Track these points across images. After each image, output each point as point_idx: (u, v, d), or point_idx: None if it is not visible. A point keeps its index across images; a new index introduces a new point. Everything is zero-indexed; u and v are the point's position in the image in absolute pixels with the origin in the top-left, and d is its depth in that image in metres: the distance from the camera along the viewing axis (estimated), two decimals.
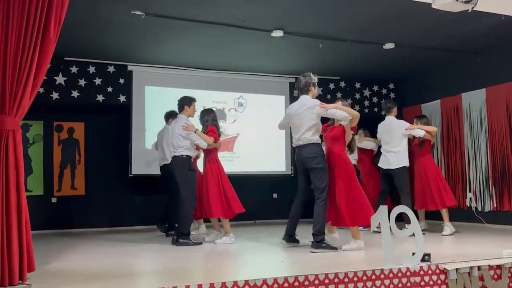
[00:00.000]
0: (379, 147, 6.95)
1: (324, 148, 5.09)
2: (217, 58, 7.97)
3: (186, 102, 5.86)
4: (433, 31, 6.67)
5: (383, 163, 6.58)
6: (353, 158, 7.04)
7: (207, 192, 5.80)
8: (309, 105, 4.92)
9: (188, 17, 5.99)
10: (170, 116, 6.89)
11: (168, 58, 7.93)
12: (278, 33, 6.62)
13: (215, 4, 5.61)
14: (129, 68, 8.13)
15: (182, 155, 5.66)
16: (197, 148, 5.98)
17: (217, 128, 6.02)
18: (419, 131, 6.44)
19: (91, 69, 7.88)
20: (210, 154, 5.97)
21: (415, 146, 6.72)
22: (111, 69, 8.02)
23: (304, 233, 5.32)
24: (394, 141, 6.42)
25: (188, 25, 6.20)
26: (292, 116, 5.03)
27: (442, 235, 6.23)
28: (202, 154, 6.27)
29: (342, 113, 4.88)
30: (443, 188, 6.47)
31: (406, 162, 6.40)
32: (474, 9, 4.54)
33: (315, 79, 5.10)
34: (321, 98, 9.20)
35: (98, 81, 7.90)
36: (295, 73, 8.97)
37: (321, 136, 5.09)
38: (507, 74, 7.33)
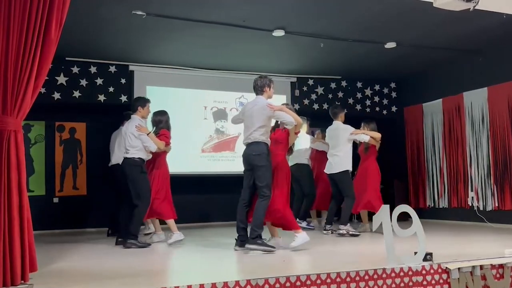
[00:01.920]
0: None
1: None
2: (218, 58, 7.97)
3: (140, 103, 5.76)
4: (434, 30, 6.66)
5: (327, 169, 6.59)
6: (305, 157, 7.25)
7: (160, 192, 5.81)
8: (260, 105, 5.01)
9: (189, 17, 5.99)
10: (125, 118, 6.65)
11: (170, 58, 7.93)
12: (279, 33, 6.62)
13: (216, 4, 5.61)
14: (131, 68, 8.13)
15: (134, 157, 5.52)
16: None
17: (169, 131, 5.97)
18: (364, 136, 6.54)
19: (93, 69, 7.88)
20: (159, 157, 5.90)
21: (361, 151, 6.90)
22: (112, 69, 8.03)
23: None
24: (339, 146, 6.44)
25: (189, 25, 6.21)
26: (245, 114, 5.12)
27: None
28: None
29: (288, 117, 4.97)
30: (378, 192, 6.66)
31: (348, 166, 6.40)
32: (475, 8, 4.54)
33: (270, 81, 5.16)
34: (323, 97, 9.30)
35: (99, 81, 7.91)
36: (296, 72, 8.97)
37: None
38: (509, 73, 7.33)
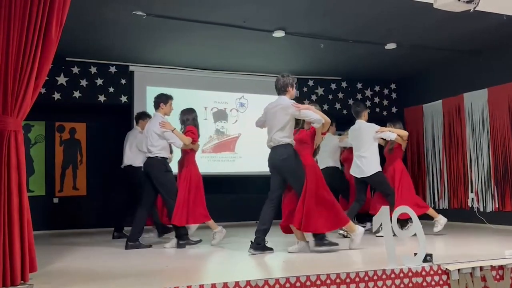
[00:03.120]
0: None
1: None
2: (218, 59, 7.97)
3: (162, 100, 5.59)
4: (434, 31, 6.66)
5: (355, 172, 6.26)
6: (333, 160, 6.98)
7: (189, 196, 5.54)
8: (284, 105, 4.81)
9: (189, 18, 5.99)
10: (139, 117, 6.74)
11: (170, 58, 7.93)
12: (279, 34, 6.62)
13: (217, 4, 5.61)
14: (131, 68, 8.13)
15: (157, 156, 5.40)
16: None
17: (197, 129, 5.77)
18: (390, 133, 6.19)
19: (93, 70, 7.88)
20: (187, 156, 5.71)
21: (386, 152, 6.62)
22: (112, 69, 8.03)
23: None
24: (365, 146, 6.15)
25: (190, 25, 6.21)
26: (267, 115, 4.94)
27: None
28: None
29: (316, 115, 4.75)
30: (406, 199, 6.23)
31: (378, 167, 6.16)
32: (476, 9, 4.54)
33: (292, 80, 4.98)
34: (323, 98, 9.30)
35: (99, 81, 7.91)
36: (296, 73, 8.91)
37: None
38: (509, 74, 7.33)
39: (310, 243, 4.91)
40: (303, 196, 4.67)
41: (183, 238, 5.40)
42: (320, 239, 4.78)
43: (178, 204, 5.41)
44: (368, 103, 9.56)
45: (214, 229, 5.69)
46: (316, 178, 4.77)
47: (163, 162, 5.46)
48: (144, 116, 6.65)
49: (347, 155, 7.23)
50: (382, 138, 6.36)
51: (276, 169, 4.81)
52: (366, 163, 6.13)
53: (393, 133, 6.20)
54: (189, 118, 5.76)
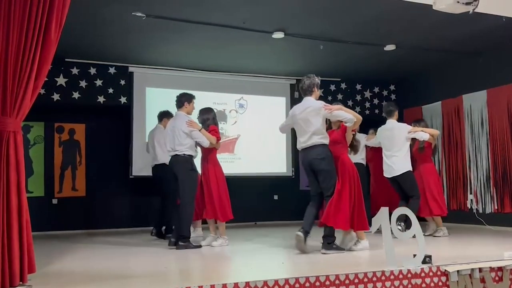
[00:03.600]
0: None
1: None
2: (218, 60, 7.98)
3: (186, 99, 5.64)
4: (434, 33, 6.67)
5: (387, 172, 6.30)
6: (360, 157, 6.91)
7: (210, 193, 5.58)
8: (314, 107, 4.83)
9: (189, 19, 5.99)
10: (164, 115, 6.77)
11: (169, 59, 7.94)
12: (279, 35, 6.62)
13: (216, 5, 5.62)
14: (130, 69, 8.14)
15: (185, 154, 5.41)
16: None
17: (217, 127, 5.89)
18: (423, 134, 6.21)
19: (92, 71, 7.88)
20: (210, 154, 5.74)
21: (415, 151, 6.59)
22: (112, 70, 8.03)
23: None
24: (397, 146, 6.18)
25: (189, 26, 6.21)
26: (296, 118, 4.93)
27: (434, 236, 6.35)
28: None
29: (348, 115, 4.79)
30: (437, 197, 6.39)
31: (409, 166, 6.20)
32: (475, 10, 4.54)
33: (318, 80, 5.03)
34: (322, 99, 9.12)
35: (99, 82, 7.91)
36: (296, 74, 8.97)
37: None
38: (508, 75, 7.33)
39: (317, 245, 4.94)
40: (346, 195, 4.74)
41: (185, 241, 5.37)
42: (328, 242, 4.76)
43: (220, 200, 5.53)
44: (367, 104, 9.58)
45: (222, 235, 5.67)
46: (354, 177, 4.85)
47: (190, 160, 5.47)
48: (169, 115, 6.64)
49: (372, 154, 7.26)
50: (412, 138, 6.35)
51: (311, 168, 4.82)
52: (397, 162, 6.15)
53: (426, 134, 6.22)
54: (209, 117, 5.80)
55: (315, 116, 4.78)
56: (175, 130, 5.47)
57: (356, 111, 9.27)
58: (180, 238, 5.36)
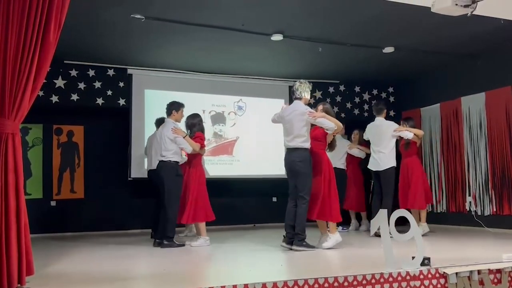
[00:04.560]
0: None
1: None
2: (217, 62, 7.98)
3: (174, 107, 5.98)
4: (432, 35, 6.68)
5: (372, 165, 6.77)
6: (341, 162, 7.38)
7: (189, 195, 5.87)
8: (300, 111, 5.17)
9: (188, 21, 5.99)
10: (161, 122, 6.74)
11: (168, 61, 7.94)
12: (277, 37, 6.63)
13: (215, 7, 5.62)
14: (129, 71, 8.13)
15: (170, 160, 5.75)
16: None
17: (203, 133, 6.15)
18: (408, 133, 6.66)
19: (91, 73, 7.88)
20: (195, 160, 6.05)
21: (401, 147, 6.98)
22: (110, 72, 8.03)
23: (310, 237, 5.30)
24: (384, 142, 6.63)
25: (188, 28, 6.21)
26: (284, 119, 5.29)
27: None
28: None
29: (330, 123, 5.16)
30: (422, 190, 6.74)
31: (393, 163, 6.64)
32: (473, 13, 4.55)
33: (309, 86, 5.37)
34: (321, 101, 9.21)
35: (97, 84, 7.90)
36: (294, 76, 8.95)
37: None
38: (507, 78, 7.34)
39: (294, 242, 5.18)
40: (321, 189, 5.15)
41: (169, 240, 5.65)
42: (300, 239, 5.05)
43: (189, 202, 5.82)
44: (365, 106, 9.59)
45: (202, 235, 5.92)
46: (329, 172, 5.26)
47: (176, 166, 5.79)
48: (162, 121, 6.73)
49: (349, 160, 7.71)
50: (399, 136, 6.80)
51: (290, 169, 5.19)
52: (383, 158, 6.61)
53: (410, 133, 6.67)
54: (194, 123, 6.13)
55: (299, 120, 5.13)
56: (162, 136, 5.82)
57: (354, 113, 9.42)
58: (165, 238, 5.65)
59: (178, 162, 5.84)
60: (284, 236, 5.24)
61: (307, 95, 5.33)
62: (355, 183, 7.68)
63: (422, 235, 6.21)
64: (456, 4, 4.43)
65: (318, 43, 6.89)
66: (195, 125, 6.11)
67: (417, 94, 9.18)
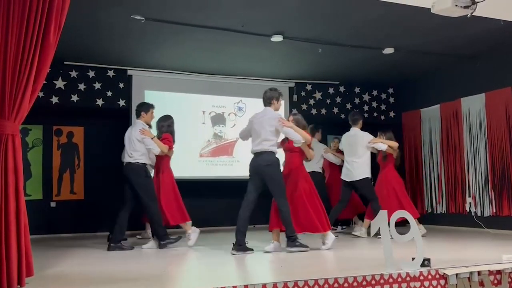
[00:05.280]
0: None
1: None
2: (216, 63, 7.98)
3: (143, 108, 5.93)
4: (432, 36, 6.68)
5: (345, 176, 6.75)
6: (318, 166, 7.42)
7: (169, 198, 5.90)
8: (270, 116, 5.19)
9: (188, 22, 6.00)
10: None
11: (168, 62, 7.94)
12: (277, 38, 6.63)
13: (215, 9, 5.62)
14: (129, 72, 8.13)
15: (138, 162, 5.67)
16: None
17: (173, 136, 6.09)
18: (381, 145, 6.75)
19: (91, 74, 7.88)
20: (162, 161, 6.02)
21: (380, 160, 7.01)
22: (110, 73, 8.02)
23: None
24: (358, 152, 6.61)
25: (188, 29, 6.22)
26: (254, 123, 5.27)
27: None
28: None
29: (296, 135, 5.12)
30: (402, 201, 6.69)
31: (368, 174, 6.62)
32: (473, 14, 4.55)
33: (279, 94, 5.38)
34: (321, 102, 9.31)
35: (97, 85, 7.90)
36: (294, 77, 8.98)
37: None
38: (506, 79, 7.35)
39: (283, 244, 5.24)
40: (291, 199, 5.13)
41: (163, 239, 5.62)
42: (292, 240, 5.02)
43: (166, 205, 5.82)
44: (365, 107, 9.58)
45: (188, 230, 5.92)
46: (309, 187, 5.28)
47: (143, 168, 5.72)
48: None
49: (328, 163, 7.78)
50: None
51: (258, 174, 5.12)
52: (357, 168, 6.61)
53: (384, 145, 6.77)
54: (164, 124, 6.11)
55: (269, 125, 5.14)
56: (131, 137, 5.75)
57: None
58: (161, 239, 5.63)
59: (146, 164, 5.76)
60: (233, 243, 5.06)
61: (277, 103, 5.32)
62: (333, 189, 7.48)
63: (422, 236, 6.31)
64: (456, 5, 4.43)
65: (318, 44, 6.90)
66: (164, 126, 6.07)
67: (417, 95, 9.19)
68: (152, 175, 6.12)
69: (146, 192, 5.62)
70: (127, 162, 5.71)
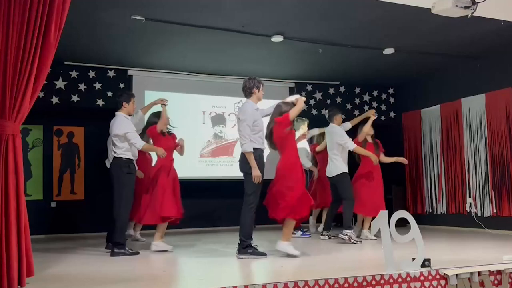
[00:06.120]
0: None
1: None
2: (217, 63, 7.98)
3: (124, 99, 5.47)
4: (432, 37, 6.68)
5: (327, 172, 6.61)
6: (305, 159, 7.10)
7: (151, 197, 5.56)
8: (239, 112, 5.08)
9: (188, 22, 6.00)
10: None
11: (168, 62, 7.94)
12: (278, 38, 6.63)
13: (216, 9, 5.62)
14: (129, 72, 8.13)
15: (122, 157, 5.29)
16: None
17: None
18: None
19: (91, 74, 7.88)
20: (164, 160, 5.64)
21: (357, 158, 6.85)
22: (111, 73, 8.03)
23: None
24: (334, 149, 6.49)
25: (188, 30, 6.22)
26: (260, 119, 5.18)
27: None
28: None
29: (242, 139, 5.02)
30: (374, 198, 6.56)
31: (344, 169, 6.40)
32: (473, 14, 4.56)
33: (259, 82, 5.06)
34: (321, 103, 9.31)
35: (98, 85, 7.90)
36: (295, 78, 8.98)
37: None
38: (507, 79, 7.35)
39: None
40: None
41: (120, 247, 5.17)
42: (244, 247, 4.80)
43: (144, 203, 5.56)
44: (366, 107, 9.57)
45: (157, 240, 5.51)
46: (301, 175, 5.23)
47: (128, 163, 5.34)
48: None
49: (321, 156, 7.41)
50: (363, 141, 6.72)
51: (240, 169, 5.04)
52: (332, 164, 6.47)
53: (353, 144, 6.42)
54: (157, 121, 5.76)
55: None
56: (112, 132, 5.38)
57: (355, 114, 9.38)
58: (115, 245, 5.18)
59: (131, 159, 5.36)
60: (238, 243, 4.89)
61: (258, 91, 5.03)
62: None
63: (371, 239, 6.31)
64: (457, 6, 4.44)
65: (318, 44, 6.90)
66: (156, 123, 5.72)
67: (418, 96, 9.19)
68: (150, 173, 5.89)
69: (120, 190, 5.24)
70: (113, 157, 5.38)
